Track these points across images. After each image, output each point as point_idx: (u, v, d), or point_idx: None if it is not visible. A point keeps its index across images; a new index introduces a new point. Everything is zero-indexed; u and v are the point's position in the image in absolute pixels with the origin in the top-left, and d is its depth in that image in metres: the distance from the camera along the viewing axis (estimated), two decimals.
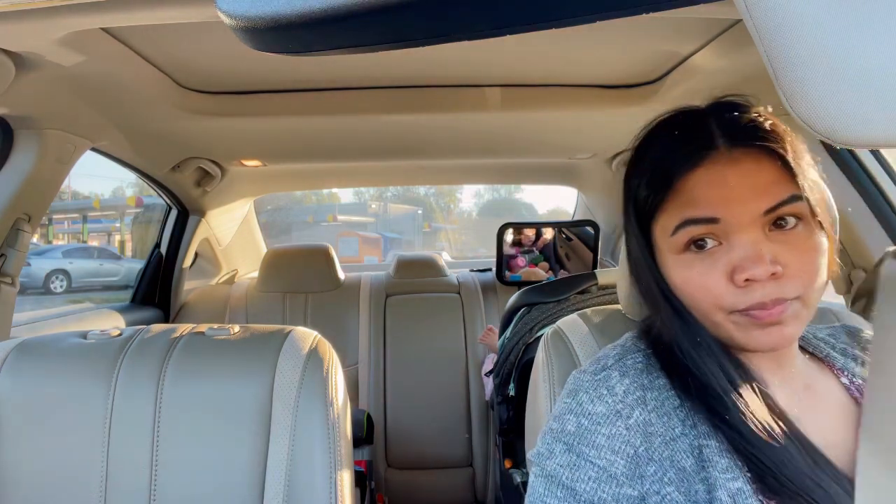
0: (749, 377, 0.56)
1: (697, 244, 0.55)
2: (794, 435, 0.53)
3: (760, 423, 0.52)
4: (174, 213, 2.03)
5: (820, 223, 0.54)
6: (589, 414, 0.59)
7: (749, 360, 0.58)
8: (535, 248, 2.18)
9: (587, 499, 0.57)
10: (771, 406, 0.54)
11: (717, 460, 0.53)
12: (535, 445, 0.63)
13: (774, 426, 0.52)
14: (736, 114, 0.55)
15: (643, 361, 0.61)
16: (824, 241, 0.54)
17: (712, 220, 0.53)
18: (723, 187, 0.53)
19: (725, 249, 0.54)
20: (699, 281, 0.54)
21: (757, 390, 0.55)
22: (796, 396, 0.58)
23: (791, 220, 0.53)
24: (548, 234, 2.18)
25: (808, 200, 0.52)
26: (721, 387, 0.54)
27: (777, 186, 0.52)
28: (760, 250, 0.52)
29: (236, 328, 0.88)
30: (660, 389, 0.58)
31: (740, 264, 0.52)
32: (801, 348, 0.63)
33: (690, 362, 0.56)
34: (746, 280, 0.52)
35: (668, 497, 0.54)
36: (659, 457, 0.56)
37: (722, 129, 0.54)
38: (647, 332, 0.64)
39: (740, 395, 0.54)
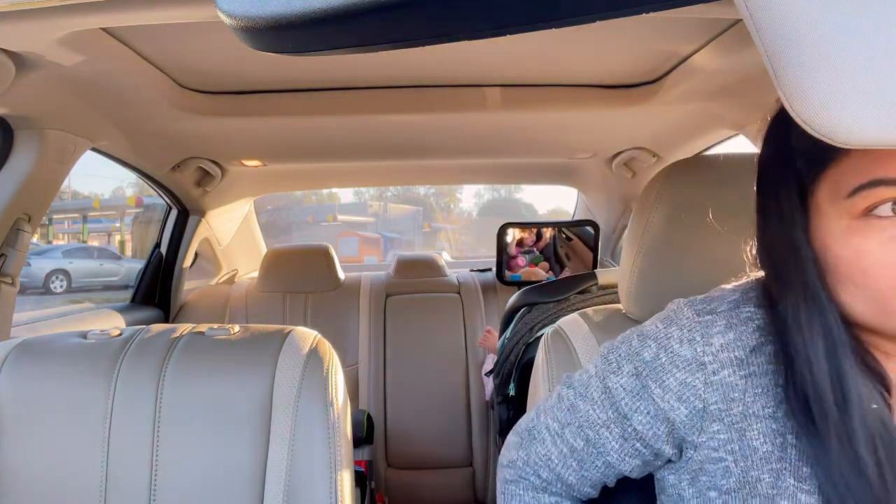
0: (881, 399, 0.45)
1: (895, 207, 0.42)
2: None
3: (861, 455, 0.44)
4: (174, 213, 2.03)
5: None
6: (671, 352, 0.52)
7: (894, 373, 0.47)
8: (535, 249, 2.18)
9: (639, 432, 0.54)
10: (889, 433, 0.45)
11: (798, 465, 0.47)
12: (602, 349, 0.59)
13: (869, 462, 0.43)
14: None
15: (762, 318, 0.51)
16: None
17: None
18: None
19: None
20: (880, 254, 0.43)
21: (883, 417, 0.45)
22: None
23: None
24: (549, 234, 2.18)
25: None
26: (827, 406, 0.45)
27: None
28: None
29: (236, 328, 0.88)
30: (769, 356, 0.50)
31: None
32: None
33: (804, 363, 0.46)
34: None
35: (723, 464, 0.50)
36: (730, 422, 0.50)
37: None
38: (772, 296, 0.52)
39: (850, 424, 0.44)
